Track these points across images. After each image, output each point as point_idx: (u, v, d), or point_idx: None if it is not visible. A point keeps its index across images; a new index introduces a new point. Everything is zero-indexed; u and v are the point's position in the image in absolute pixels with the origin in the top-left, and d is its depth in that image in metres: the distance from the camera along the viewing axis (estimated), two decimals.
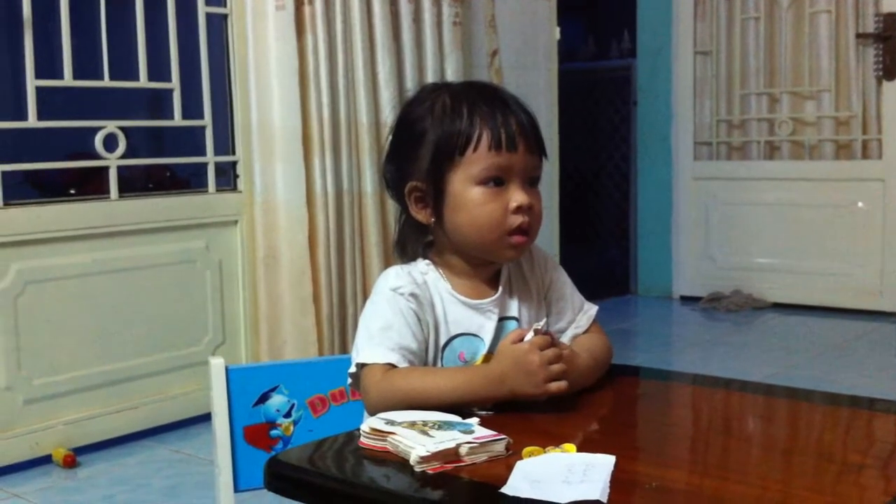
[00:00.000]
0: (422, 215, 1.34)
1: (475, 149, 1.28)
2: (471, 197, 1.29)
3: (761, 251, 5.06)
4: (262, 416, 1.47)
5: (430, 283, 1.33)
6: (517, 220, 1.29)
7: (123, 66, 3.05)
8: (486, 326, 1.33)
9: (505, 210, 1.28)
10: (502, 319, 1.34)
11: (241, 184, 3.32)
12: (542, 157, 1.33)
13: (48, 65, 2.91)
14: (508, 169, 1.28)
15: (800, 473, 1.04)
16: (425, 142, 1.31)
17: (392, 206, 3.31)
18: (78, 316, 2.95)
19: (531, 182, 1.31)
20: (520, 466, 0.99)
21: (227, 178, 3.35)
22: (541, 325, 1.21)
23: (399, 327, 1.27)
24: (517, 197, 1.28)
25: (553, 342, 1.22)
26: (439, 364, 1.31)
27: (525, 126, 1.30)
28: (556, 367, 1.19)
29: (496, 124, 1.28)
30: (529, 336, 1.20)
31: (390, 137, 1.40)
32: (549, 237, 4.27)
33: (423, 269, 1.34)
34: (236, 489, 1.45)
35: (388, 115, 3.38)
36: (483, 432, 1.06)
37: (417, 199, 1.33)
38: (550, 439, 1.07)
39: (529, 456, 1.02)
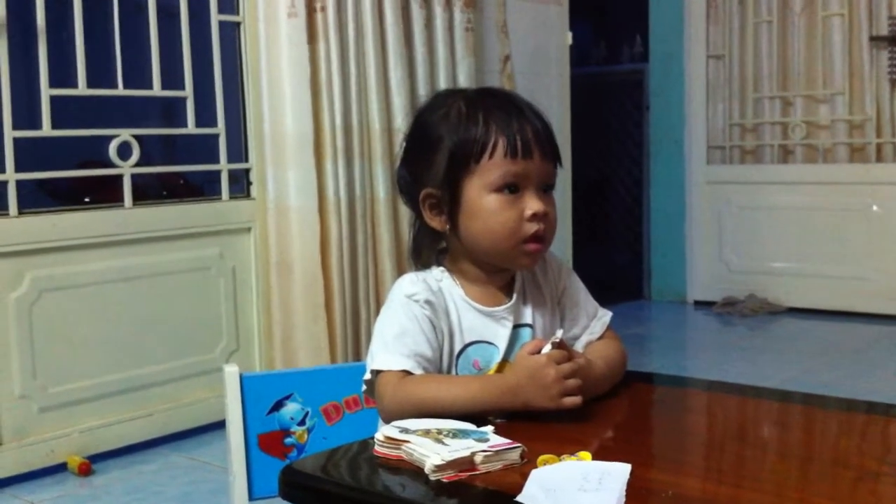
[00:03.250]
0: (436, 222, 1.33)
1: (491, 156, 1.28)
2: (486, 204, 1.28)
3: (776, 255, 5.04)
4: (277, 424, 1.47)
5: (445, 290, 1.33)
6: (532, 227, 1.28)
7: (137, 74, 3.07)
8: (500, 334, 1.32)
9: (520, 217, 1.28)
10: (517, 327, 1.34)
11: (254, 191, 3.33)
12: (556, 164, 1.32)
13: (62, 73, 2.93)
14: (524, 176, 1.28)
15: (816, 480, 1.04)
16: (440, 149, 1.30)
17: (405, 213, 3.32)
18: (92, 324, 2.96)
19: (546, 189, 1.31)
20: (535, 475, 0.99)
21: (241, 185, 3.36)
22: (558, 336, 1.21)
23: (414, 334, 1.27)
24: (532, 204, 1.28)
25: (570, 355, 1.21)
26: (453, 371, 1.31)
27: (540, 133, 1.30)
28: (572, 382, 1.18)
29: (512, 131, 1.28)
30: (547, 348, 1.20)
31: (404, 144, 1.39)
32: (561, 242, 4.27)
33: (437, 276, 1.34)
34: (251, 497, 1.45)
35: (400, 121, 3.39)
36: (498, 440, 1.06)
37: (432, 206, 1.33)
38: (565, 447, 1.06)
39: (544, 464, 1.02)
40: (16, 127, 2.81)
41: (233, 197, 3.31)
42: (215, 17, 3.24)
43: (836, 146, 4.88)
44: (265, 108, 3.22)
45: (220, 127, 3.27)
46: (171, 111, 3.39)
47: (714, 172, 5.25)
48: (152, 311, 3.10)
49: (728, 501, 0.97)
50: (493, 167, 1.28)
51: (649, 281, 5.61)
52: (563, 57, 4.44)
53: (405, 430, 1.09)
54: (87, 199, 3.12)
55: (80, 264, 2.93)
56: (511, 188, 1.28)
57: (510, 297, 1.35)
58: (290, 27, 3.17)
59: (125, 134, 3.04)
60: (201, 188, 3.45)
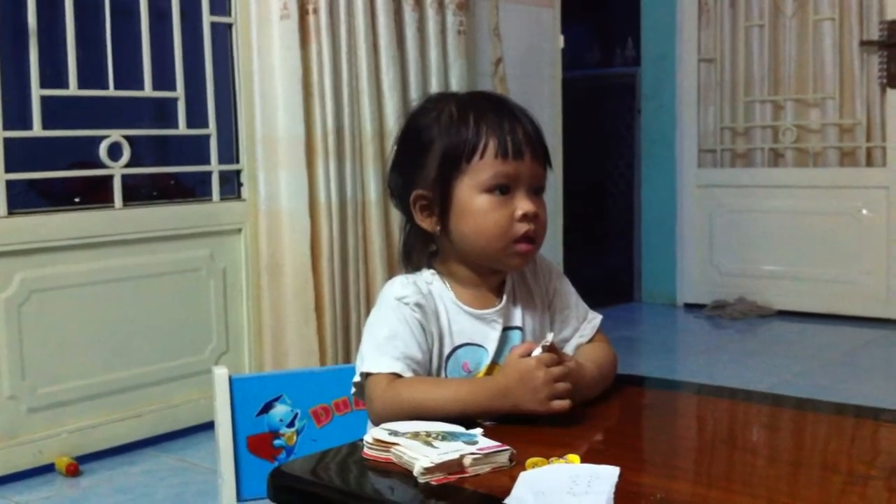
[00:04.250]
0: (427, 224, 1.34)
1: (482, 156, 1.28)
2: (477, 204, 1.29)
3: (766, 258, 5.06)
4: (266, 426, 1.47)
5: (435, 292, 1.33)
6: (523, 227, 1.29)
7: (128, 75, 3.06)
8: (490, 336, 1.32)
9: (511, 218, 1.28)
10: (506, 329, 1.34)
11: (245, 192, 3.32)
12: (546, 166, 1.33)
13: (53, 74, 2.92)
14: (514, 177, 1.29)
15: (805, 484, 1.04)
16: (432, 150, 1.31)
17: (396, 215, 3.31)
18: (82, 325, 2.95)
19: (536, 191, 1.32)
20: (524, 477, 0.99)
21: (232, 186, 3.36)
22: (548, 340, 1.21)
23: (404, 337, 1.27)
24: (523, 205, 1.28)
25: (560, 359, 1.21)
26: (443, 374, 1.31)
27: (531, 135, 1.31)
28: (562, 386, 1.18)
29: (502, 133, 1.28)
30: (537, 351, 1.20)
31: (396, 147, 1.40)
32: (553, 245, 4.27)
33: (428, 279, 1.34)
34: (239, 499, 1.44)
35: (392, 124, 3.38)
36: (487, 443, 1.06)
37: (423, 207, 1.33)
38: (554, 450, 1.06)
39: (533, 467, 1.02)
40: (6, 127, 2.80)
41: (223, 198, 3.30)
42: (207, 19, 3.23)
43: (827, 150, 4.89)
44: (257, 110, 3.22)
45: (212, 128, 3.27)
46: (162, 112, 3.38)
47: (705, 176, 5.26)
48: (142, 312, 3.09)
49: None
50: (485, 168, 1.28)
51: (640, 283, 5.61)
52: (556, 60, 4.45)
53: (394, 433, 1.09)
54: (77, 200, 3.11)
55: (70, 265, 2.92)
56: (502, 189, 1.29)
57: (500, 299, 1.35)
58: (283, 29, 3.17)
59: (116, 134, 3.03)
60: (192, 189, 3.44)
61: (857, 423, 1.26)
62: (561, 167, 4.41)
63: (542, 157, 1.32)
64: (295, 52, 3.17)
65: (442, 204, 1.31)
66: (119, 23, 3.03)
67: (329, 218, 3.26)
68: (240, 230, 3.30)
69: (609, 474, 0.99)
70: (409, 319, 1.28)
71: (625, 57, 6.40)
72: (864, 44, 4.70)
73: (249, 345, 3.32)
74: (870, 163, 4.78)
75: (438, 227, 1.33)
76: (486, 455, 1.03)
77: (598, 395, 1.30)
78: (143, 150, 3.33)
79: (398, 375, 1.24)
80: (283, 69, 3.17)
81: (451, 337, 1.31)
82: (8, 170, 2.80)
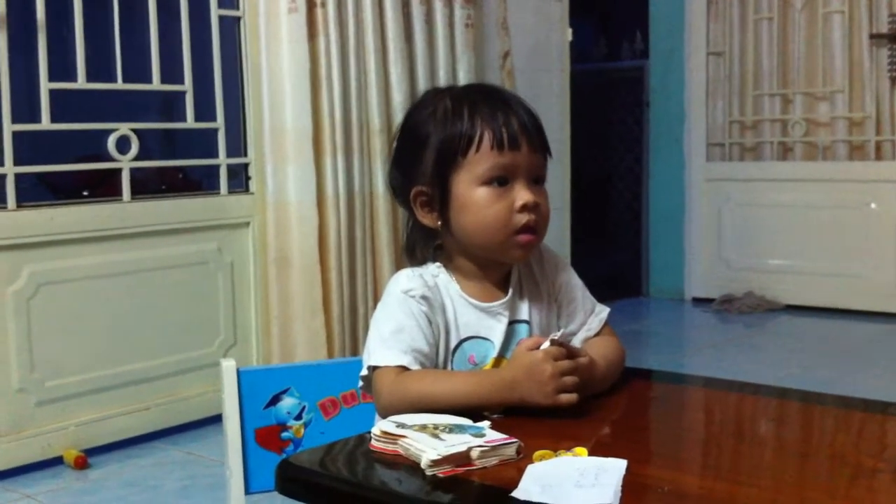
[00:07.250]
0: (428, 219, 1.33)
1: (477, 149, 1.28)
2: (475, 198, 1.28)
3: (774, 252, 5.05)
4: (274, 419, 1.47)
5: (441, 285, 1.33)
6: (523, 218, 1.28)
7: (136, 68, 3.07)
8: (496, 329, 1.32)
9: (510, 209, 1.28)
10: (513, 323, 1.34)
11: (253, 185, 3.32)
12: (546, 155, 1.32)
13: (62, 67, 2.93)
14: (512, 168, 1.28)
15: (813, 477, 1.04)
16: (428, 146, 1.31)
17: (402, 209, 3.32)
18: (90, 318, 2.96)
19: (536, 181, 1.31)
20: (531, 470, 0.99)
21: (240, 179, 3.36)
22: (558, 334, 1.21)
23: (411, 330, 1.27)
24: (522, 195, 1.28)
25: (570, 353, 1.21)
26: (449, 366, 1.31)
27: (527, 125, 1.30)
28: (569, 379, 1.18)
29: (497, 124, 1.28)
30: (545, 345, 1.19)
31: (395, 143, 1.40)
32: (560, 238, 4.27)
33: (433, 272, 1.34)
34: (247, 491, 1.45)
35: (400, 117, 3.37)
36: (494, 436, 1.06)
37: (423, 203, 1.33)
38: (562, 443, 1.06)
39: (541, 459, 1.02)
40: (15, 120, 2.81)
41: (231, 192, 3.31)
42: (215, 12, 3.24)
43: (836, 144, 4.88)
44: (265, 104, 3.22)
45: (220, 122, 3.27)
46: (170, 105, 3.39)
47: (713, 169, 5.25)
48: (150, 305, 3.10)
49: (725, 497, 0.97)
50: (481, 160, 1.28)
51: (648, 277, 5.61)
52: (564, 53, 4.44)
53: (402, 425, 1.09)
54: (85, 193, 3.12)
55: (79, 258, 2.93)
56: (500, 181, 1.28)
57: (506, 292, 1.35)
58: (291, 22, 3.17)
59: (124, 128, 3.04)
60: (200, 183, 3.45)
61: (864, 416, 1.26)
62: (568, 161, 4.40)
63: (541, 147, 1.31)
64: (303, 46, 3.17)
65: (441, 199, 1.31)
66: (127, 16, 3.04)
67: (337, 211, 3.27)
68: (248, 223, 3.31)
69: (616, 467, 0.99)
70: (416, 312, 1.28)
71: (633, 50, 6.39)
72: (874, 37, 4.68)
73: (257, 337, 3.33)
74: (879, 156, 4.76)
75: (439, 223, 1.33)
76: (494, 447, 1.03)
77: (606, 389, 1.30)
78: (151, 144, 3.34)
79: (405, 368, 1.24)
80: (291, 62, 3.17)
81: (458, 330, 1.31)
82: (17, 163, 2.81)
